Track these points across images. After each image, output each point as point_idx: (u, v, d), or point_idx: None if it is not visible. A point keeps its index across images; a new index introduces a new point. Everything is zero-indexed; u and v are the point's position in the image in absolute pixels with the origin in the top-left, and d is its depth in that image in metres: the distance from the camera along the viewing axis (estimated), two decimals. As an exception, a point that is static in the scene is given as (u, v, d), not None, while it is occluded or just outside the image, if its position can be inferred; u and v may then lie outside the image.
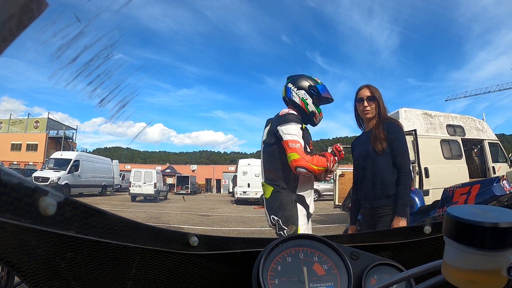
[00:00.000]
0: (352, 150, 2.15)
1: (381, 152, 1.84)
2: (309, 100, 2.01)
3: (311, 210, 2.03)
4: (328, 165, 1.90)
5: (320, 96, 2.05)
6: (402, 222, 1.68)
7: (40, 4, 0.21)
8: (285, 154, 1.85)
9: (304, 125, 2.00)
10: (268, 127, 2.03)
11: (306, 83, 2.03)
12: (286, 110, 1.98)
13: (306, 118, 2.05)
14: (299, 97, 2.02)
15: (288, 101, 2.07)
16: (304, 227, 1.96)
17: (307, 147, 1.94)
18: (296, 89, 2.04)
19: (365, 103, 1.93)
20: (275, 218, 2.00)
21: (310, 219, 2.05)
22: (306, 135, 2.01)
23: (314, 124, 2.13)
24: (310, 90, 2.02)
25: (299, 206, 1.94)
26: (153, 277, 0.46)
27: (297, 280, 0.47)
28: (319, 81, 2.11)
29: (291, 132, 1.86)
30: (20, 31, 0.20)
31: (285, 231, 1.97)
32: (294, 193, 1.94)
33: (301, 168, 1.80)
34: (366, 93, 1.95)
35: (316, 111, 2.05)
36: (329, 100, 2.14)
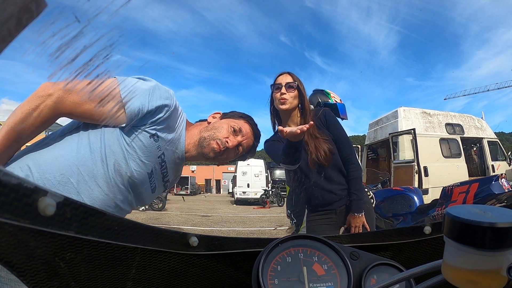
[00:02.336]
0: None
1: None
2: None
3: None
4: None
5: None
6: (359, 219, 1.60)
7: (39, 4, 0.21)
8: None
9: None
10: None
11: (317, 100, 2.23)
12: None
13: None
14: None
15: None
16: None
17: None
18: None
19: (283, 90, 1.59)
20: (289, 211, 2.33)
21: None
22: None
23: None
24: (317, 106, 2.21)
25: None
26: (153, 277, 0.46)
27: (297, 280, 0.47)
28: (335, 99, 2.25)
29: None
30: (19, 31, 0.20)
31: (293, 222, 2.27)
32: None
33: None
34: (286, 79, 1.61)
35: None
36: (337, 116, 2.27)
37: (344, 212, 1.68)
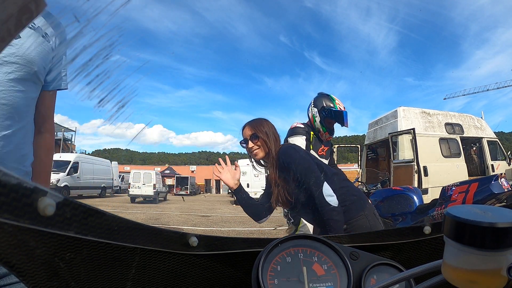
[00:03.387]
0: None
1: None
2: (318, 119, 2.30)
3: None
4: None
5: (328, 118, 2.32)
6: None
7: (39, 4, 0.21)
8: None
9: (312, 135, 2.32)
10: None
11: (321, 104, 2.30)
12: (295, 123, 2.34)
13: (315, 132, 2.35)
14: (311, 113, 2.33)
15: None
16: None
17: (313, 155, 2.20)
18: (313, 105, 2.34)
19: (250, 144, 1.62)
20: (286, 210, 2.31)
21: None
22: (316, 143, 2.33)
23: (320, 140, 2.38)
24: (321, 111, 2.29)
25: None
26: (152, 278, 0.46)
27: (296, 280, 0.47)
28: (339, 105, 2.30)
29: (296, 144, 2.12)
30: (18, 31, 0.20)
31: (290, 221, 2.31)
32: None
33: None
34: (247, 132, 1.64)
35: (322, 130, 2.32)
36: (341, 123, 2.35)
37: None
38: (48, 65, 0.97)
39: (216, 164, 1.67)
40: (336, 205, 1.46)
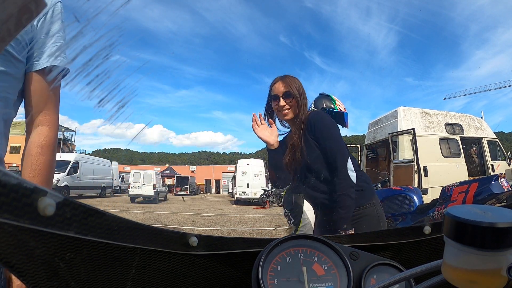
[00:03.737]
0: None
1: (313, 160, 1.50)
2: None
3: None
4: None
5: None
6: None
7: (39, 4, 0.21)
8: None
9: None
10: None
11: (322, 104, 2.29)
12: None
13: None
14: None
15: None
16: (307, 220, 2.28)
17: None
18: (313, 106, 2.32)
19: (282, 102, 1.51)
20: (286, 210, 2.36)
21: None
22: None
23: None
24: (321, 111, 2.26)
25: (305, 203, 2.25)
26: (152, 278, 0.46)
27: (296, 280, 0.47)
28: (339, 106, 2.30)
29: None
30: (18, 31, 0.20)
31: (291, 221, 2.31)
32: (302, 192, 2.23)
33: None
34: (281, 88, 1.52)
35: None
36: (342, 124, 2.31)
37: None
38: (29, 37, 0.82)
39: (253, 120, 1.55)
40: (355, 183, 1.42)
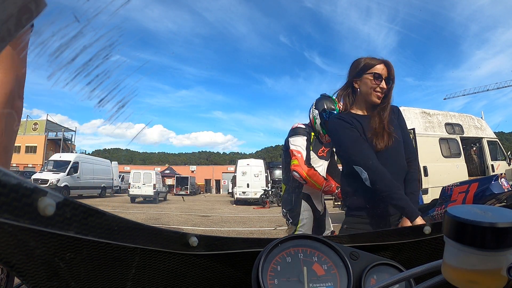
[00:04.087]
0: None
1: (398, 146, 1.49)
2: (318, 121, 2.30)
3: (320, 208, 2.36)
4: (322, 186, 2.19)
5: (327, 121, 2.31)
6: (420, 221, 1.44)
7: (39, 4, 0.21)
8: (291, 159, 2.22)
9: (313, 136, 2.33)
10: None
11: (322, 106, 2.30)
12: (296, 124, 2.37)
13: (315, 134, 2.36)
14: (312, 115, 2.33)
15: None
16: (305, 220, 2.28)
17: (312, 156, 2.28)
18: (314, 107, 2.33)
19: (383, 84, 1.44)
20: (284, 210, 2.38)
21: (323, 215, 2.41)
22: (316, 144, 2.34)
23: (320, 142, 2.38)
24: (322, 113, 2.29)
25: (303, 203, 2.28)
26: (152, 277, 0.46)
27: (296, 280, 0.47)
28: (340, 108, 2.29)
29: (296, 144, 2.25)
30: (18, 31, 0.20)
31: (289, 221, 2.33)
32: (300, 192, 2.29)
33: (296, 172, 2.16)
34: (387, 71, 1.46)
35: (322, 132, 2.31)
36: None
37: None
38: None
39: None
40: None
